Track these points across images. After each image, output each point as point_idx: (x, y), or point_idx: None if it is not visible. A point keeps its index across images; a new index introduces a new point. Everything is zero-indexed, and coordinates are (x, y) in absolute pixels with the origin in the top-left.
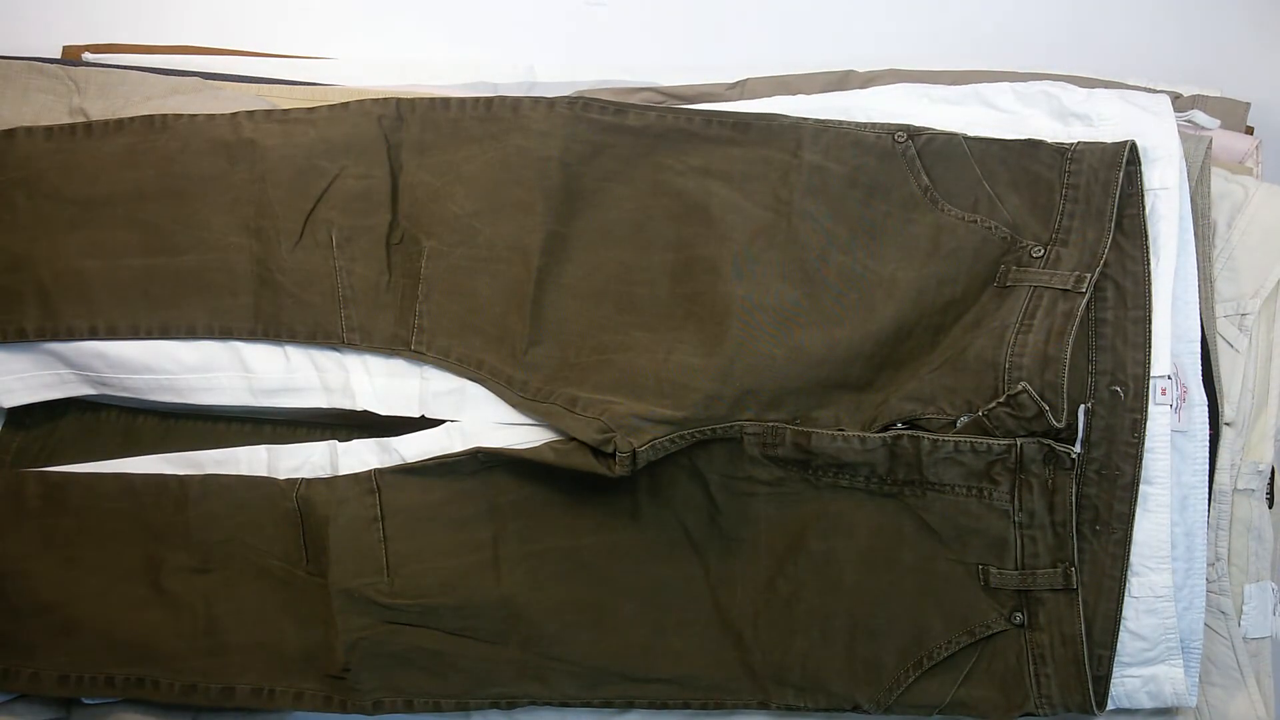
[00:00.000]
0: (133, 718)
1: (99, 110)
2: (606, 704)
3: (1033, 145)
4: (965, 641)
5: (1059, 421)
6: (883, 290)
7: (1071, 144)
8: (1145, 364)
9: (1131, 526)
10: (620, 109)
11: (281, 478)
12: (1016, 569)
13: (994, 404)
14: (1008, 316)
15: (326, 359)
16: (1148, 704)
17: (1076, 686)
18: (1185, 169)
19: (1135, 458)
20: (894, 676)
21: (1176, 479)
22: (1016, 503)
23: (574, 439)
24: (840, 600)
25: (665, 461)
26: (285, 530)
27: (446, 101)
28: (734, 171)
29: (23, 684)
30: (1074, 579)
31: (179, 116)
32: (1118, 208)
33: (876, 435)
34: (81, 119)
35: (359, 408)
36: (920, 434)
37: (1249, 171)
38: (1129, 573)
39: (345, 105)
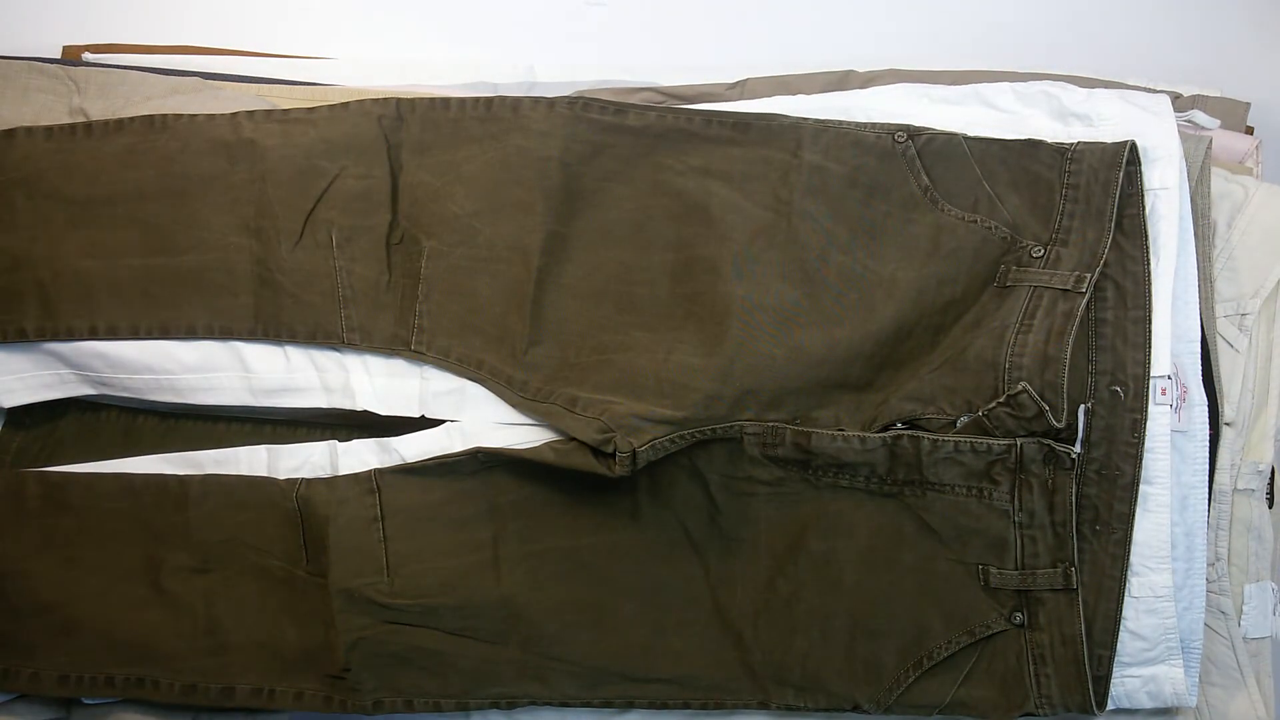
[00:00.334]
0: (133, 718)
1: (99, 110)
2: (606, 704)
3: (1033, 145)
4: (965, 641)
5: (1059, 421)
6: (883, 290)
7: (1071, 144)
8: (1145, 364)
9: (1131, 526)
10: (620, 109)
11: (281, 478)
12: (1016, 569)
13: (994, 404)
14: (1008, 316)
15: (326, 359)
16: (1148, 704)
17: (1076, 686)
18: (1185, 169)
19: (1135, 458)
20: (894, 676)
21: (1176, 479)
22: (1016, 503)
23: (574, 439)
24: (840, 600)
25: (665, 461)
26: (285, 530)
27: (446, 101)
28: (734, 171)
29: (23, 684)
30: (1074, 579)
31: (179, 116)
32: (1118, 208)
33: (876, 435)
34: (81, 119)
35: (359, 408)
36: (920, 434)
37: (1249, 171)
38: (1129, 573)
39: (345, 105)
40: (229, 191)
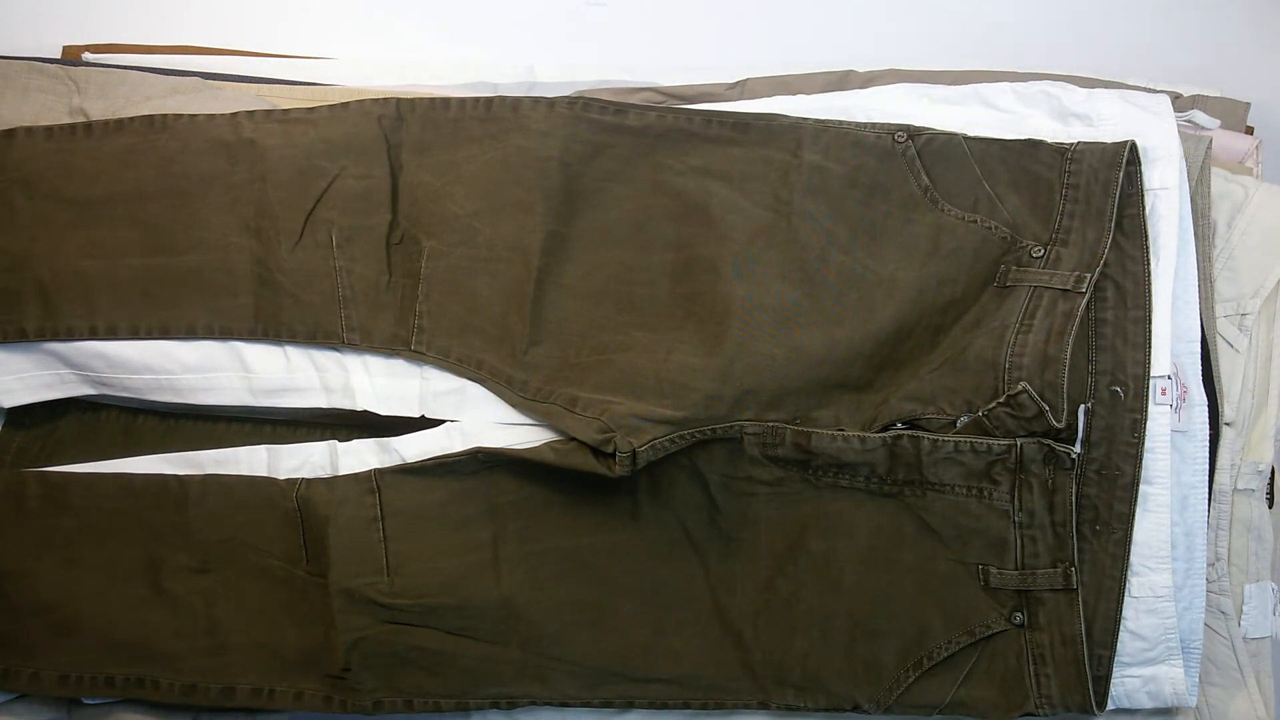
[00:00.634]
0: (133, 718)
1: (99, 110)
2: (606, 704)
3: (1033, 145)
4: (965, 641)
5: (1059, 421)
6: (883, 290)
7: (1071, 144)
8: (1145, 364)
9: (1131, 526)
10: (620, 109)
11: (281, 478)
12: (1016, 569)
13: (994, 404)
14: (1008, 316)
15: (326, 359)
16: (1148, 704)
17: (1076, 686)
18: (1185, 169)
19: (1135, 458)
20: (894, 676)
21: (1176, 479)
22: (1016, 503)
23: (574, 439)
24: (840, 600)
25: (665, 461)
26: (285, 530)
27: (446, 101)
28: (734, 171)
29: (23, 684)
30: (1074, 579)
31: (179, 116)
32: (1118, 208)
33: (876, 435)
34: (81, 119)
35: (359, 408)
36: (920, 434)
37: (1249, 171)
38: (1129, 573)
39: (345, 105)
40: (229, 191)
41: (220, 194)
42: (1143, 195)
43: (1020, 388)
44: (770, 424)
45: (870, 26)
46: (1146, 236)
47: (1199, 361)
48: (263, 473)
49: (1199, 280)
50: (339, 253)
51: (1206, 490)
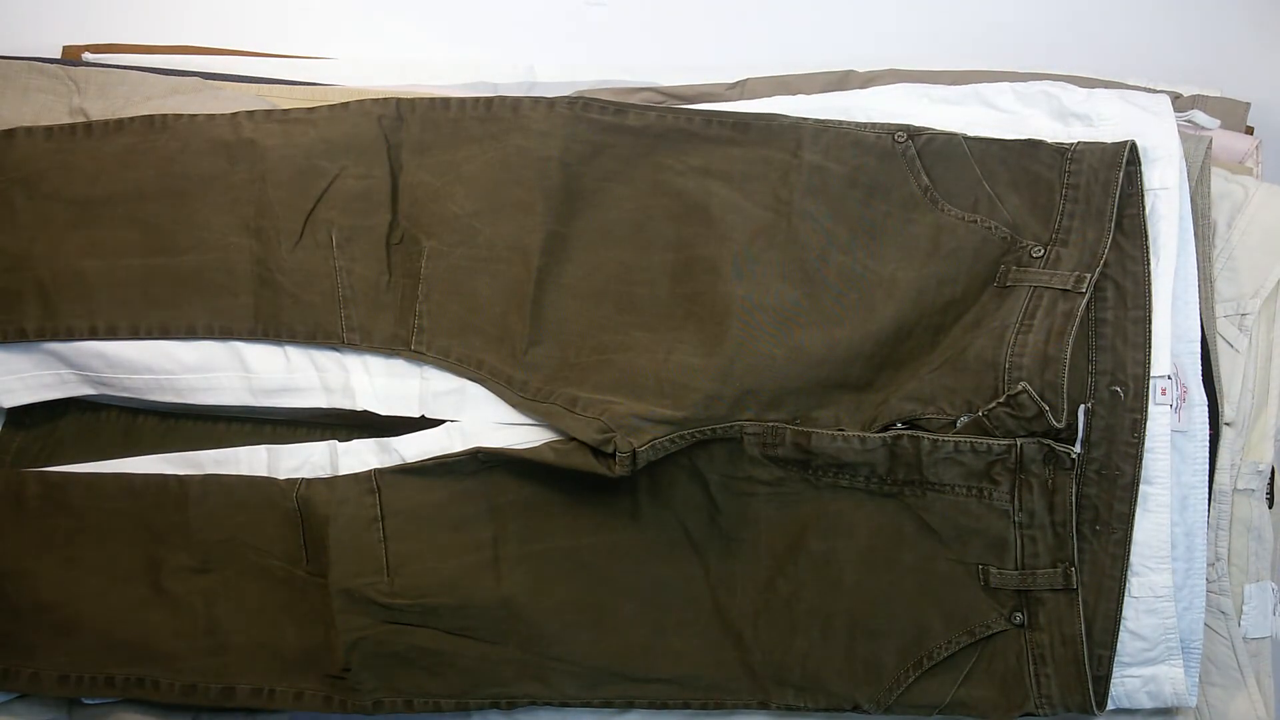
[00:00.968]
0: (133, 718)
1: (99, 110)
2: (606, 704)
3: (1033, 145)
4: (965, 641)
5: (1059, 421)
6: (883, 290)
7: (1071, 144)
8: (1145, 364)
9: (1131, 526)
10: (620, 109)
11: (281, 478)
12: (1016, 569)
13: (994, 404)
14: (1008, 316)
15: (326, 359)
16: (1148, 704)
17: (1076, 686)
18: (1185, 169)
19: (1135, 458)
20: (894, 676)
21: (1176, 479)
22: (1016, 503)
23: (574, 439)
24: (840, 600)
25: (665, 461)
26: (285, 530)
27: (446, 101)
28: (734, 171)
29: (23, 684)
30: (1074, 579)
31: (179, 116)
32: (1118, 208)
33: (876, 435)
34: (81, 119)
35: (359, 408)
36: (920, 434)
37: (1249, 171)
38: (1129, 573)
39: (345, 105)
40: (229, 191)
41: (220, 194)
42: (1143, 195)
43: (1020, 388)
44: (770, 424)
45: (870, 26)
46: (1146, 236)
47: (1199, 361)
48: (263, 473)
49: (1199, 280)
50: (339, 253)
51: (1206, 490)
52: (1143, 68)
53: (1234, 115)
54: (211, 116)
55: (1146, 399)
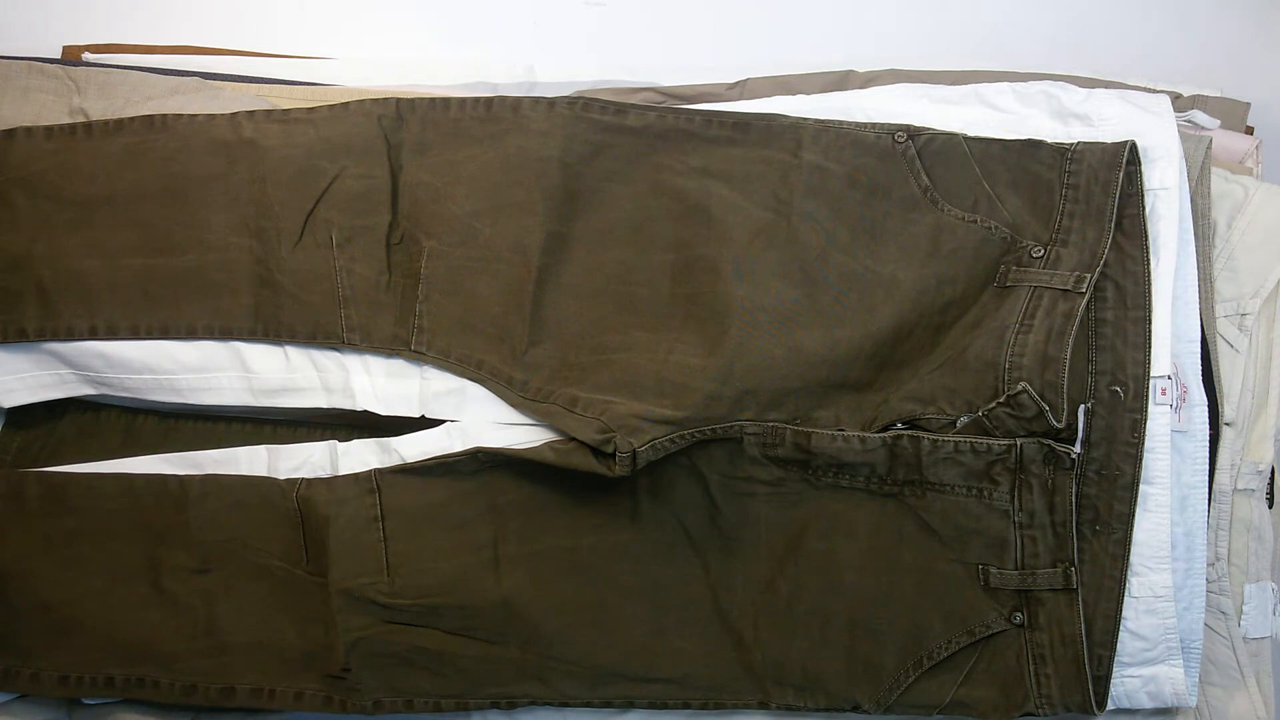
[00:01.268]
0: (133, 718)
1: (99, 110)
2: (606, 704)
3: (1033, 145)
4: (965, 641)
5: (1059, 421)
6: (883, 290)
7: (1071, 144)
8: (1145, 364)
9: (1131, 526)
10: (620, 109)
11: (281, 478)
12: (1016, 569)
13: (994, 404)
14: (1008, 316)
15: (326, 359)
16: (1148, 704)
17: (1076, 686)
18: (1185, 169)
19: (1135, 458)
20: (894, 676)
21: (1176, 479)
22: (1016, 503)
23: (574, 439)
24: (840, 600)
25: (665, 461)
26: (285, 530)
27: (446, 101)
28: (734, 172)
29: (23, 684)
30: (1074, 579)
31: (179, 116)
32: (1118, 208)
33: (876, 435)
34: (81, 119)
35: (359, 408)
36: (920, 434)
37: (1249, 171)
38: (1129, 573)
39: (345, 105)
40: (229, 191)
41: (220, 194)
42: (1143, 195)
43: (1020, 388)
44: (770, 424)
45: (870, 26)
46: (1146, 236)
47: (1199, 361)
48: (263, 473)
49: (1199, 280)
50: (339, 253)
51: (1206, 490)
52: (1143, 68)
53: (1234, 115)
54: (211, 116)
55: (1146, 399)
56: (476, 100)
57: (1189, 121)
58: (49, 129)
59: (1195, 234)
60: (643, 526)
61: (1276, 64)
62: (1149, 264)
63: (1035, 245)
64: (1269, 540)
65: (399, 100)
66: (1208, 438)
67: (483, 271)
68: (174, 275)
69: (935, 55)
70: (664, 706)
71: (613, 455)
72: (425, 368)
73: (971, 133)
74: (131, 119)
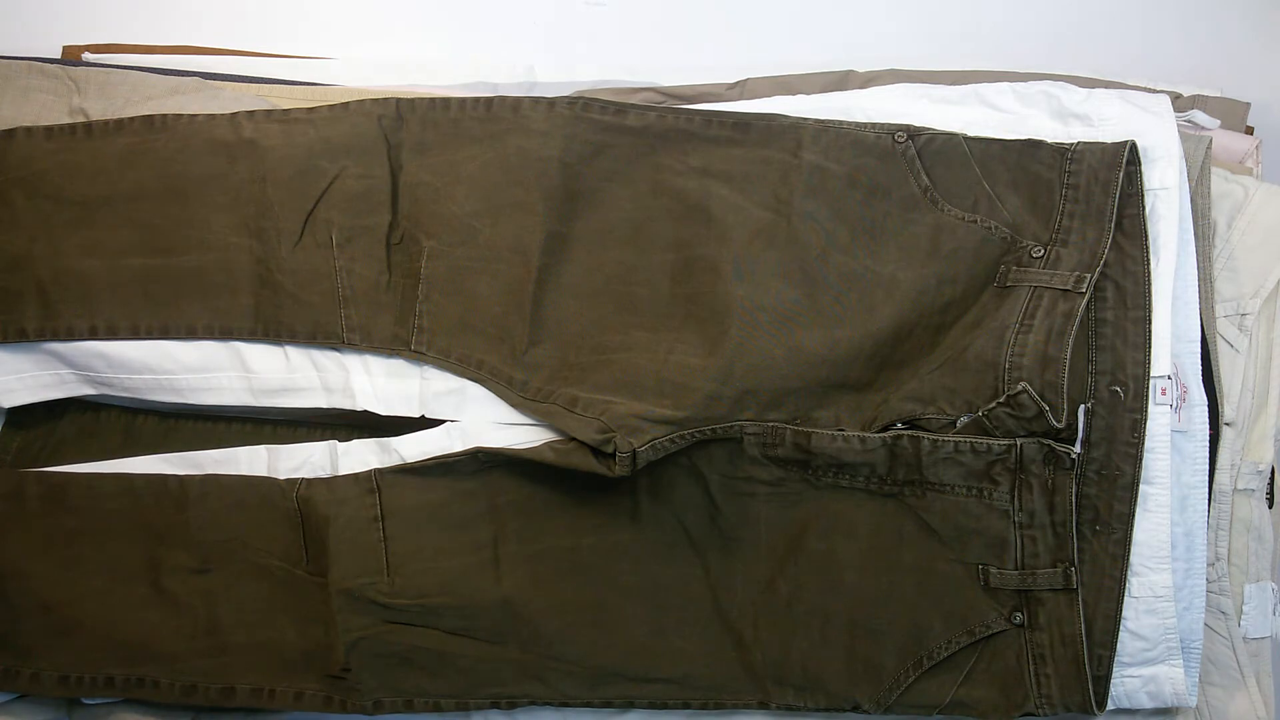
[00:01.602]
0: (133, 718)
1: (99, 110)
2: (606, 704)
3: (1033, 145)
4: (965, 641)
5: (1059, 421)
6: (883, 290)
7: (1071, 144)
8: (1145, 364)
9: (1131, 526)
10: (620, 109)
11: (281, 478)
12: (1016, 569)
13: (994, 404)
14: (1008, 316)
15: (326, 359)
16: (1148, 704)
17: (1076, 686)
18: (1185, 169)
19: (1135, 458)
20: (894, 676)
21: (1176, 479)
22: (1016, 503)
23: (574, 439)
24: (840, 600)
25: (665, 461)
26: (285, 530)
27: (446, 101)
28: (734, 172)
29: (23, 684)
30: (1074, 579)
31: (179, 116)
32: (1118, 208)
33: (876, 435)
34: (81, 119)
35: (359, 408)
36: (920, 434)
37: (1249, 171)
38: (1129, 573)
39: (345, 105)
40: (229, 191)
41: (220, 194)
42: (1143, 195)
43: (1020, 388)
44: (770, 424)
45: (870, 26)
46: (1146, 236)
47: (1199, 361)
48: (263, 473)
49: (1199, 280)
50: (339, 253)
51: (1206, 490)
52: (1143, 68)
53: (1234, 115)
54: (211, 116)
55: (1146, 399)
56: (476, 100)
57: (1189, 121)
58: (49, 129)
59: (1195, 234)
60: (643, 526)
61: (1276, 64)
62: (1149, 264)
63: (1035, 245)
64: (1269, 540)
65: (399, 100)
66: (1208, 438)
67: (483, 271)
68: (174, 275)
69: (935, 55)
70: (664, 706)
71: (613, 455)
72: (425, 368)
73: (971, 133)
74: (131, 119)
